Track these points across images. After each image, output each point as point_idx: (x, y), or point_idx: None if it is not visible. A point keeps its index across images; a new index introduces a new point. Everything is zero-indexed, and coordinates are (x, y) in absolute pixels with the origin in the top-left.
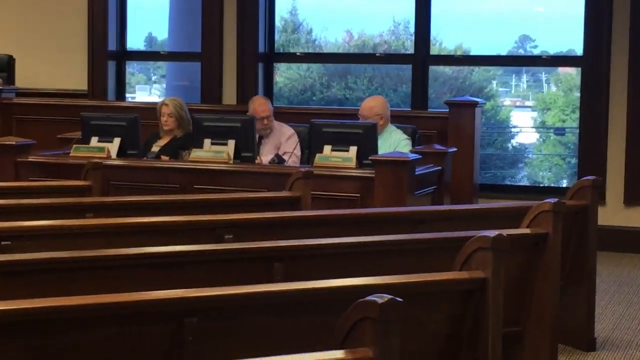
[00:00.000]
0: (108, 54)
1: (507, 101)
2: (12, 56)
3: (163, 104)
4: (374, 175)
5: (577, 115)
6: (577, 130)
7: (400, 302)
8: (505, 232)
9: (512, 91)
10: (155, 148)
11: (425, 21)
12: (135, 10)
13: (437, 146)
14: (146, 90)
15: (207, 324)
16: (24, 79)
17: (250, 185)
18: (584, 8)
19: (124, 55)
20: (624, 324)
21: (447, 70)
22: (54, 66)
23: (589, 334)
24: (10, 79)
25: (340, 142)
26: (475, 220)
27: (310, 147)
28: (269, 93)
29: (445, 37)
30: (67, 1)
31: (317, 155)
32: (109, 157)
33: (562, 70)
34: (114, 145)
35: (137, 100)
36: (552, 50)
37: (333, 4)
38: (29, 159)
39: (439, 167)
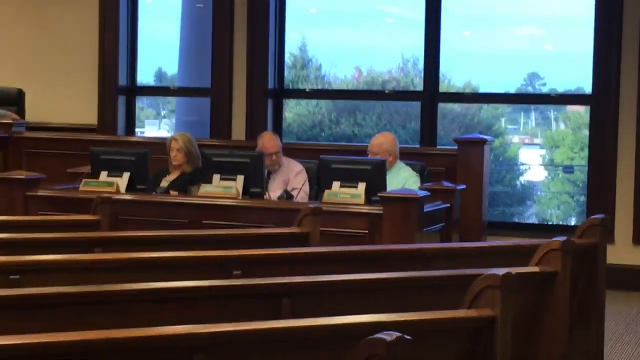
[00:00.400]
0: (118, 88)
1: (516, 139)
2: (22, 90)
3: (172, 139)
4: (382, 212)
5: (585, 153)
6: (586, 168)
7: (409, 340)
8: (513, 270)
9: (521, 129)
10: (164, 183)
11: (434, 58)
12: (146, 46)
13: (446, 183)
14: (155, 125)
15: None
16: (33, 112)
17: (259, 221)
18: (593, 46)
19: (134, 90)
20: None
21: (456, 107)
22: (64, 100)
23: None
24: (19, 112)
25: (349, 178)
26: (484, 257)
27: (319, 183)
28: (278, 129)
29: (454, 74)
30: (78, 36)
31: (326, 191)
32: (118, 192)
33: (570, 108)
34: (123, 180)
35: (146, 135)
36: (561, 88)
37: (342, 41)
38: (39, 193)
39: (448, 204)
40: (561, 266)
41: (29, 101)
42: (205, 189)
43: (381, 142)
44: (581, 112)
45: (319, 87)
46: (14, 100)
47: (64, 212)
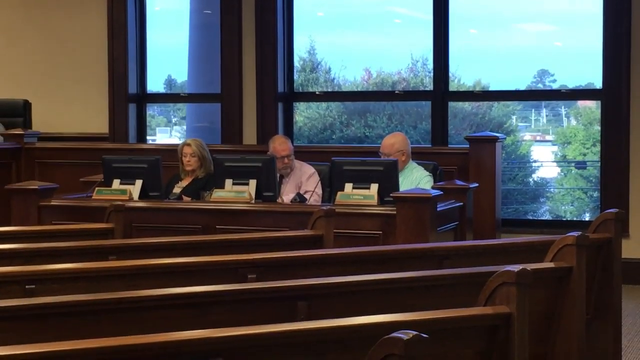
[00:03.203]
0: (128, 97)
1: (527, 136)
2: (28, 100)
3: (185, 144)
4: (395, 212)
5: (597, 148)
6: (599, 164)
7: (426, 339)
8: (529, 266)
9: (532, 126)
10: (176, 189)
11: (443, 57)
12: (155, 53)
13: (459, 182)
14: (166, 132)
15: None
16: (45, 123)
17: (272, 225)
18: (602, 41)
19: (145, 98)
20: None
21: (467, 106)
22: (75, 110)
23: None
24: (26, 123)
25: (361, 179)
26: (499, 255)
27: (331, 185)
28: (289, 132)
29: (464, 73)
30: (87, 45)
31: (339, 193)
32: (130, 199)
33: (581, 103)
34: (135, 188)
35: (157, 142)
36: (571, 84)
37: (351, 43)
38: (52, 203)
39: (461, 203)
40: (576, 261)
41: (40, 112)
42: (217, 194)
43: (393, 143)
44: (592, 107)
45: (329, 89)
46: (20, 111)
47: (77, 221)
